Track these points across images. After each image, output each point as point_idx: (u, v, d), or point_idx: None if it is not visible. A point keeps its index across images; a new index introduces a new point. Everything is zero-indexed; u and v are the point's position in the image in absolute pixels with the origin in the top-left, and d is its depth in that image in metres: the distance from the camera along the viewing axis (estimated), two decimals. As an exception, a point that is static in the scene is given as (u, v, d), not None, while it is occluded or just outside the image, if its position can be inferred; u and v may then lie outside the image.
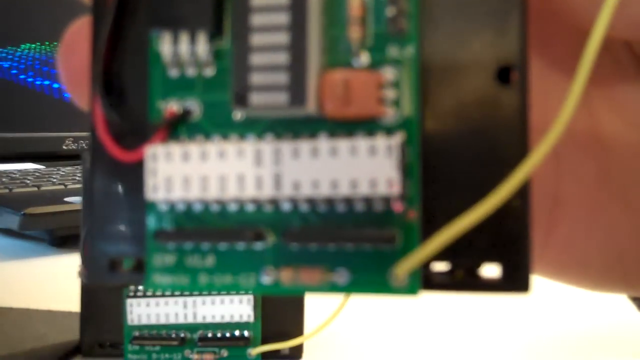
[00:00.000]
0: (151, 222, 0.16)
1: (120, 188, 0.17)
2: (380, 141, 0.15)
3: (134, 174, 0.16)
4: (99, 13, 0.17)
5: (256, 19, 0.15)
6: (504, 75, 0.16)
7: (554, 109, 0.18)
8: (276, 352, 0.36)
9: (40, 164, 0.91)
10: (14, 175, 0.78)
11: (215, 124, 0.16)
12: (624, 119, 0.20)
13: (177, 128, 0.16)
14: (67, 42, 0.18)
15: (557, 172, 0.21)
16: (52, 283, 0.51)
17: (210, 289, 0.16)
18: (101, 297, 0.36)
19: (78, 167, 0.87)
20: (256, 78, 0.15)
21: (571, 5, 0.17)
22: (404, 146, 0.15)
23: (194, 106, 0.16)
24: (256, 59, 0.15)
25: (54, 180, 0.76)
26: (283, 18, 0.15)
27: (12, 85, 0.91)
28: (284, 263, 0.16)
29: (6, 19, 0.91)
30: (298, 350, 0.37)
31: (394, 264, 0.15)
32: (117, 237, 0.17)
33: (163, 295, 0.34)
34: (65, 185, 0.73)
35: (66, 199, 0.65)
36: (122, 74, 0.17)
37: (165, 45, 0.16)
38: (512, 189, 0.15)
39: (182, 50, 0.16)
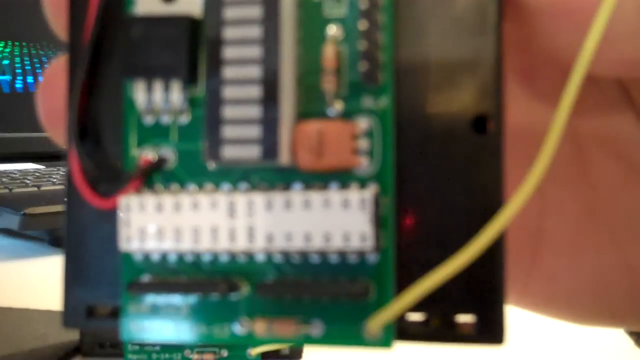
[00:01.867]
0: (125, 272, 0.16)
1: (96, 234, 0.17)
2: (354, 194, 0.15)
3: (110, 220, 0.16)
4: (75, 56, 0.17)
5: (229, 72, 0.15)
6: (480, 125, 0.15)
7: (534, 151, 0.18)
8: (276, 352, 0.36)
9: (40, 164, 0.91)
10: (14, 175, 0.78)
11: (190, 173, 0.16)
12: (611, 152, 0.20)
13: (152, 176, 0.16)
14: (45, 81, 0.18)
15: (540, 206, 0.21)
16: (52, 283, 0.50)
17: (185, 339, 0.16)
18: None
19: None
20: (228, 131, 0.15)
21: (555, 43, 0.17)
22: (378, 198, 0.15)
23: (169, 154, 0.16)
24: (228, 111, 0.15)
25: (54, 180, 0.76)
26: (255, 71, 0.15)
27: (12, 85, 0.91)
28: (258, 314, 0.16)
29: (6, 16, 0.91)
30: (298, 351, 0.37)
31: (368, 316, 0.15)
32: (94, 283, 0.17)
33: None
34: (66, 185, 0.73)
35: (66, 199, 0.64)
36: (97, 119, 0.17)
37: (139, 93, 0.16)
38: (487, 241, 0.14)
39: (156, 98, 0.16)
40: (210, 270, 0.16)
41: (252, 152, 0.15)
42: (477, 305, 0.15)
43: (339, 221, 0.15)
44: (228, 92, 0.15)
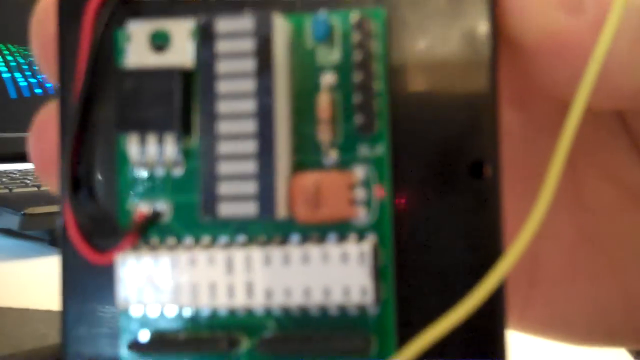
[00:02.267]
0: (124, 330, 0.16)
1: (93, 286, 0.17)
2: (352, 248, 0.15)
3: (107, 274, 0.16)
4: (65, 105, 0.17)
5: (223, 126, 0.15)
6: (477, 170, 0.15)
7: (536, 186, 0.18)
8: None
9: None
10: (14, 175, 0.78)
11: (186, 226, 0.16)
12: (606, 176, 0.20)
13: (148, 230, 0.16)
14: (36, 127, 0.18)
15: (536, 232, 0.21)
16: (52, 283, 0.50)
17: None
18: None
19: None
20: (224, 188, 0.15)
21: (550, 79, 0.17)
22: (377, 250, 0.15)
23: (164, 207, 0.16)
24: (224, 167, 0.15)
25: None
26: (250, 125, 0.15)
27: (12, 85, 0.90)
28: (260, 369, 0.15)
29: (6, 16, 0.90)
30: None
31: (370, 370, 0.15)
32: (93, 339, 0.16)
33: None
34: None
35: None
36: (91, 171, 0.16)
37: (132, 147, 0.16)
38: (488, 291, 0.14)
39: (150, 151, 0.16)
40: (209, 325, 0.16)
41: (249, 209, 0.15)
42: (479, 355, 0.15)
43: (338, 275, 0.15)
44: (223, 147, 0.15)
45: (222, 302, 0.15)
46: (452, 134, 0.15)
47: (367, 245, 0.15)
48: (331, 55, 0.15)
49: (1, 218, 0.61)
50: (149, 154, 0.16)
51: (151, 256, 0.15)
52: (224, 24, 0.15)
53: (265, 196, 0.15)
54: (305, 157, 0.15)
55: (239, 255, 0.15)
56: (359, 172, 0.15)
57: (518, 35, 0.16)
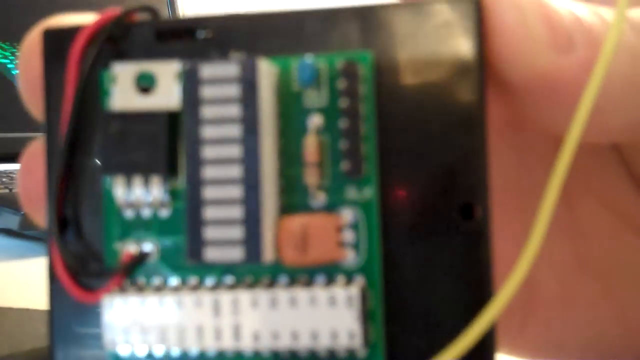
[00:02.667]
0: (112, 371, 0.16)
1: (81, 326, 0.17)
2: (340, 291, 0.15)
3: (95, 312, 0.16)
4: (52, 144, 0.17)
5: (208, 172, 0.15)
6: (467, 211, 0.15)
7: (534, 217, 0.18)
8: None
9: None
10: (14, 175, 0.77)
11: (173, 267, 0.16)
12: (600, 201, 0.20)
13: (135, 270, 0.16)
14: (24, 163, 0.18)
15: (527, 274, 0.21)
16: None
17: None
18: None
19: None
20: (210, 232, 0.15)
21: (542, 119, 0.17)
22: (365, 292, 0.15)
23: (151, 248, 0.16)
24: (210, 212, 0.15)
25: None
26: (236, 171, 0.15)
27: (12, 84, 0.89)
28: (248, 411, 0.15)
29: (5, 15, 0.89)
30: None
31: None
32: None
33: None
34: None
35: None
36: (77, 211, 0.16)
37: (119, 189, 0.16)
38: (478, 334, 0.14)
39: (136, 192, 0.16)
40: None
41: (235, 254, 0.15)
42: None
43: (326, 319, 0.15)
44: (208, 192, 0.15)
45: (210, 345, 0.15)
46: (441, 175, 0.15)
47: (355, 289, 0.15)
48: (318, 98, 0.15)
49: (1, 218, 0.61)
50: (136, 195, 0.16)
51: (138, 297, 0.15)
52: (208, 70, 0.15)
53: (252, 241, 0.15)
54: (293, 199, 0.15)
55: (225, 297, 0.15)
56: (347, 214, 0.15)
57: (508, 75, 0.16)
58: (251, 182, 0.15)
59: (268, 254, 0.15)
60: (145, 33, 0.16)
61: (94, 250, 0.16)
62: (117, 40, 0.16)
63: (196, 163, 0.15)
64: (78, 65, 0.16)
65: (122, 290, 0.16)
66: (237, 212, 0.15)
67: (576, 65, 0.15)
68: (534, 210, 0.19)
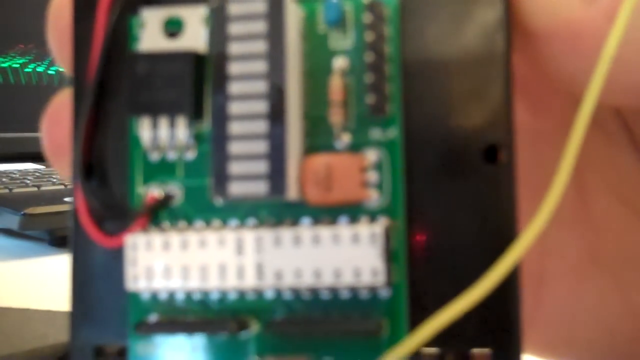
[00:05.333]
0: (133, 312, 0.16)
1: (103, 273, 0.16)
2: (363, 229, 0.15)
3: (117, 258, 0.16)
4: (79, 91, 0.17)
5: (234, 107, 0.15)
6: (491, 154, 0.15)
7: (546, 179, 0.18)
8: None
9: (40, 164, 0.88)
10: (14, 175, 0.77)
11: (197, 209, 0.16)
12: (614, 194, 0.20)
13: (159, 213, 0.16)
14: (49, 114, 0.18)
15: (542, 248, 0.20)
16: (52, 283, 0.49)
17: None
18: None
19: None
20: (235, 167, 0.15)
21: (563, 69, 0.17)
22: (389, 232, 0.15)
23: (176, 191, 0.16)
24: (235, 147, 0.15)
25: (54, 180, 0.74)
26: (261, 106, 0.15)
27: (12, 84, 0.89)
28: (269, 352, 0.15)
29: (7, 18, 0.89)
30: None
31: (381, 353, 0.15)
32: (102, 323, 0.16)
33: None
34: (65, 185, 0.71)
35: (66, 199, 0.63)
36: (103, 157, 0.17)
37: (144, 131, 0.16)
38: (502, 274, 0.14)
39: (162, 134, 0.16)
40: (218, 309, 0.15)
41: (260, 188, 0.15)
42: (492, 339, 0.15)
43: (349, 257, 0.15)
44: (234, 128, 0.15)
45: (232, 284, 0.15)
46: (465, 118, 0.15)
47: (379, 227, 0.15)
48: (344, 39, 0.15)
49: (1, 218, 0.60)
50: (161, 138, 0.16)
51: (160, 237, 0.15)
52: (236, 7, 0.15)
53: (276, 176, 0.15)
54: (317, 140, 0.15)
55: (249, 236, 0.15)
56: (371, 155, 0.15)
57: (531, 23, 0.16)
58: (277, 117, 0.15)
59: (292, 190, 0.15)
60: None
61: (118, 196, 0.16)
62: None
63: (222, 98, 0.15)
64: (107, 13, 0.16)
65: (145, 231, 0.16)
66: (262, 146, 0.15)
67: (600, 15, 0.15)
68: (549, 165, 0.19)
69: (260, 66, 0.15)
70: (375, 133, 0.15)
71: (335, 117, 0.15)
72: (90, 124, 0.16)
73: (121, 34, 0.16)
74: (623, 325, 0.20)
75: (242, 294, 0.15)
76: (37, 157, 0.87)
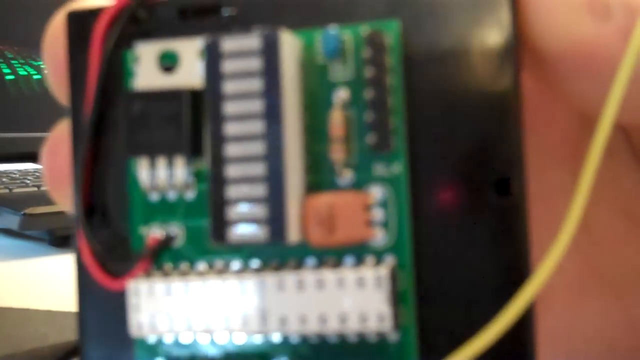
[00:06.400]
0: (139, 356, 0.16)
1: (108, 314, 0.16)
2: (368, 272, 0.14)
3: (122, 299, 0.16)
4: (77, 126, 0.16)
5: (232, 149, 0.14)
6: (502, 187, 0.14)
7: (551, 197, 0.17)
8: None
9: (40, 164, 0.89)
10: (14, 175, 0.77)
11: (199, 250, 0.15)
12: (615, 207, 0.19)
13: (161, 255, 0.16)
14: (49, 144, 0.18)
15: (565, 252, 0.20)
16: (52, 283, 0.49)
17: None
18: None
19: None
20: (234, 212, 0.14)
21: (577, 90, 0.16)
22: (395, 273, 0.14)
23: (177, 231, 0.16)
24: (233, 191, 0.14)
25: None
26: (259, 147, 0.14)
27: (12, 84, 0.88)
28: (277, 398, 0.15)
29: (6, 18, 0.88)
30: None
31: (392, 398, 0.14)
32: None
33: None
34: None
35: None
36: (103, 195, 0.16)
37: (142, 171, 0.15)
38: (517, 313, 0.13)
39: (160, 175, 0.15)
40: (225, 350, 0.15)
41: (260, 233, 0.14)
42: None
43: (354, 301, 0.14)
44: (232, 170, 0.14)
45: (237, 329, 0.15)
46: (475, 149, 0.14)
47: (384, 269, 0.14)
48: (343, 71, 0.15)
49: (1, 218, 0.61)
50: (160, 178, 0.15)
51: (163, 283, 0.15)
52: (230, 43, 0.14)
53: (276, 220, 0.14)
54: (320, 177, 0.15)
55: (251, 281, 0.14)
56: (376, 192, 0.15)
57: (542, 43, 0.15)
58: (275, 159, 0.14)
59: (293, 234, 0.14)
60: (169, 12, 0.16)
61: (121, 236, 0.16)
62: (140, 21, 0.16)
63: (219, 140, 0.14)
64: (101, 46, 0.16)
65: (149, 275, 0.15)
66: (261, 190, 0.14)
67: (614, 34, 0.14)
68: (553, 183, 0.18)
69: (256, 106, 0.14)
70: (379, 169, 0.15)
71: (337, 154, 0.15)
72: (89, 165, 0.16)
73: (117, 67, 0.16)
74: (623, 339, 0.19)
75: (248, 339, 0.15)
76: (37, 157, 0.91)
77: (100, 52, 0.16)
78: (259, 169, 0.14)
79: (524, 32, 0.15)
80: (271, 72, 0.14)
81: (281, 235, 0.14)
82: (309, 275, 0.14)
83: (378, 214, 0.15)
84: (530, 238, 0.14)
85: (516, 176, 0.14)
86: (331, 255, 0.15)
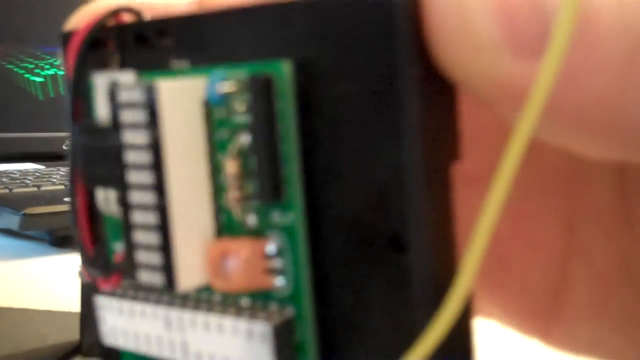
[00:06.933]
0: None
1: None
2: (256, 325, 0.14)
3: None
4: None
5: (134, 197, 0.14)
6: (397, 244, 0.13)
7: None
8: None
9: (40, 164, 0.88)
10: (14, 175, 0.77)
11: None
12: None
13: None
14: None
15: (567, 247, 0.18)
16: (52, 283, 0.50)
17: None
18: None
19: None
20: (140, 256, 0.15)
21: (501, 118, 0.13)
22: (288, 325, 0.14)
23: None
24: (138, 237, 0.15)
25: (54, 180, 0.74)
26: (151, 197, 0.14)
27: (12, 85, 0.90)
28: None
29: (7, 18, 0.90)
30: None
31: None
32: None
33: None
34: (65, 185, 0.70)
35: (66, 199, 0.62)
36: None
37: (100, 198, 0.16)
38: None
39: (112, 202, 0.16)
40: None
41: (157, 279, 0.14)
42: None
43: (245, 351, 0.14)
44: (136, 217, 0.15)
45: (167, 356, 0.15)
46: (372, 200, 0.13)
47: (268, 325, 0.14)
48: (240, 116, 0.14)
49: (1, 218, 0.61)
50: (112, 204, 0.16)
51: (117, 302, 0.16)
52: (124, 94, 0.14)
53: (168, 268, 0.14)
54: (225, 222, 0.15)
55: (174, 315, 0.15)
56: (273, 239, 0.14)
57: (461, 81, 0.13)
58: (162, 209, 0.14)
59: (182, 284, 0.14)
60: (127, 36, 0.16)
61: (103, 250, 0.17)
62: (105, 45, 0.16)
63: (124, 187, 0.15)
64: (71, 71, 0.17)
65: (114, 292, 0.17)
66: (156, 238, 0.14)
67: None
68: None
69: (145, 158, 0.14)
70: (276, 216, 0.14)
71: (231, 201, 0.14)
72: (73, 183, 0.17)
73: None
74: None
75: None
76: (37, 157, 0.89)
77: (71, 77, 0.17)
78: (152, 218, 0.14)
79: (436, 66, 0.13)
80: (151, 125, 0.14)
81: (171, 284, 0.14)
82: (199, 317, 0.15)
83: (276, 262, 0.14)
84: (430, 294, 0.13)
85: (412, 232, 0.13)
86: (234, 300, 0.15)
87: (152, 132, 0.14)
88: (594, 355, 0.19)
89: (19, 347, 0.36)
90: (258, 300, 0.15)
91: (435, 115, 0.13)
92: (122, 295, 0.16)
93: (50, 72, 0.94)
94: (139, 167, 0.14)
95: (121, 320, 0.16)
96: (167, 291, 0.15)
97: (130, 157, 0.14)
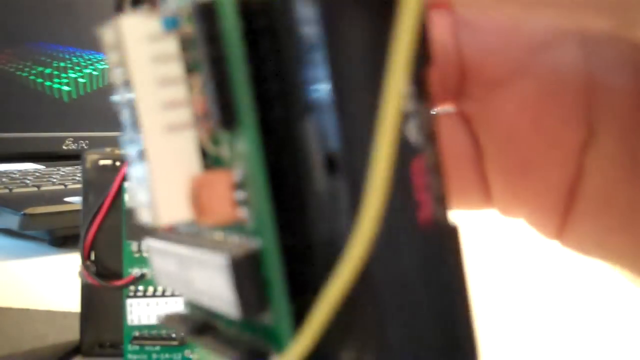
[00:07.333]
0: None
1: None
2: (216, 257, 0.14)
3: None
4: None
5: (127, 135, 0.15)
6: (331, 165, 0.12)
7: None
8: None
9: (40, 164, 0.86)
10: (14, 175, 0.76)
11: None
12: None
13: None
14: None
15: (584, 141, 0.18)
16: (52, 283, 0.49)
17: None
18: (101, 297, 0.34)
19: (78, 167, 0.78)
20: (140, 195, 0.15)
21: None
22: (256, 258, 0.13)
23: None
24: (134, 171, 0.15)
25: (54, 180, 0.73)
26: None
27: (13, 84, 0.87)
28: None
29: (8, 18, 0.88)
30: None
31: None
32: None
33: (163, 295, 0.32)
34: (65, 185, 0.70)
35: (66, 199, 0.62)
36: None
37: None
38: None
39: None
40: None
41: (148, 215, 0.15)
42: None
43: (215, 283, 0.14)
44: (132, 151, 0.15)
45: (185, 294, 0.16)
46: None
47: (224, 258, 0.13)
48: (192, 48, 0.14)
49: (1, 218, 0.60)
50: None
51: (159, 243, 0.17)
52: (108, 34, 0.15)
53: (151, 203, 0.14)
54: (211, 158, 0.15)
55: (182, 251, 0.15)
56: (237, 170, 0.14)
57: None
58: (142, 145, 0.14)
59: (164, 217, 0.14)
60: None
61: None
62: None
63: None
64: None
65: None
66: (145, 174, 0.15)
67: None
68: None
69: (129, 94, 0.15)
70: (239, 146, 0.14)
71: (201, 132, 0.14)
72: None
73: None
74: None
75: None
76: (37, 157, 0.87)
77: None
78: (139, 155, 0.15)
79: None
80: (124, 60, 0.14)
81: (154, 218, 0.14)
82: (182, 250, 0.15)
83: (241, 193, 0.14)
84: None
85: (343, 155, 0.12)
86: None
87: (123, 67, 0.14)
88: (601, 255, 0.19)
89: (19, 347, 0.36)
90: (234, 234, 0.14)
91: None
92: (163, 237, 0.17)
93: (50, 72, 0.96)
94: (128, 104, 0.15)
95: (161, 261, 0.17)
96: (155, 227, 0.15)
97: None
